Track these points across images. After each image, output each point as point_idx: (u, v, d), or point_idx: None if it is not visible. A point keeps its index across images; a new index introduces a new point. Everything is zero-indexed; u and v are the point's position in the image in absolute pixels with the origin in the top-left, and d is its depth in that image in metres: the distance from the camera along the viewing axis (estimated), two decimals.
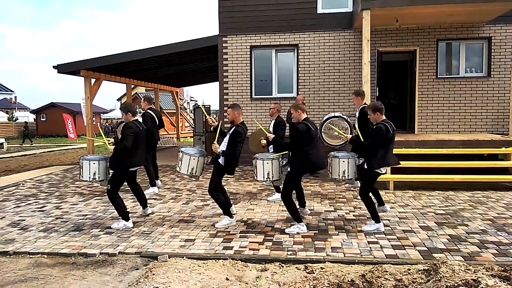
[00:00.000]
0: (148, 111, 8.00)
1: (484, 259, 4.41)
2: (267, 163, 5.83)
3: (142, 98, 8.12)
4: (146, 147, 6.85)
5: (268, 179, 5.94)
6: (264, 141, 6.57)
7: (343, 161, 5.86)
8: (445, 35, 10.77)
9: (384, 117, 5.39)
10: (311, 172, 5.56)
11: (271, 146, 6.94)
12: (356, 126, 6.71)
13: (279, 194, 7.43)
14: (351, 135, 5.81)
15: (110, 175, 5.87)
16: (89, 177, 5.82)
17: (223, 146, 5.65)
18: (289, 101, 11.28)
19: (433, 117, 10.88)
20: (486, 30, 10.61)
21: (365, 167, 5.41)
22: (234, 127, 5.63)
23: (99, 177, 5.84)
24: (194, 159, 5.79)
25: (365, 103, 7.24)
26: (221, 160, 5.63)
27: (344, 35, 11.08)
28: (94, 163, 5.82)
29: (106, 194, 7.79)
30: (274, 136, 5.87)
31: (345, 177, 5.95)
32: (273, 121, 7.36)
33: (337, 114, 7.03)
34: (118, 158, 5.70)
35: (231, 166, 5.64)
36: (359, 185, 7.20)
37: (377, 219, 5.41)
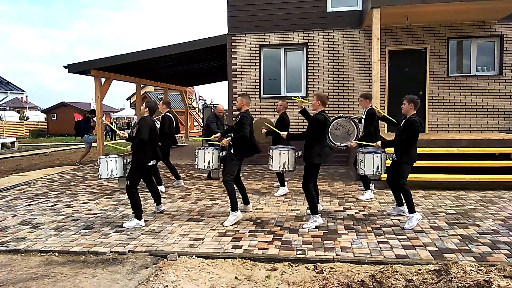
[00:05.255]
0: (168, 114, 8.40)
1: (496, 259, 4.36)
2: (284, 153, 6.12)
3: (161, 102, 8.49)
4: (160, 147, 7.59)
5: (284, 169, 6.19)
6: (264, 130, 7.12)
7: (377, 156, 6.05)
8: (456, 33, 10.67)
9: (415, 111, 5.58)
10: (325, 161, 5.71)
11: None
12: (361, 125, 6.95)
13: (285, 188, 7.56)
14: (381, 141, 5.92)
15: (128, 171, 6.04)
16: (107, 174, 6.21)
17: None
18: None
19: (443, 116, 10.79)
20: (498, 28, 10.48)
21: (396, 158, 5.65)
22: (240, 114, 5.87)
23: (117, 174, 6.23)
24: (208, 153, 6.20)
25: (371, 106, 7.33)
26: (233, 150, 5.82)
27: (353, 33, 11.02)
28: (111, 160, 6.21)
29: (116, 192, 7.87)
30: (287, 133, 6.00)
31: (379, 172, 6.02)
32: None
33: (342, 115, 7.16)
34: (135, 152, 5.83)
35: (243, 149, 5.80)
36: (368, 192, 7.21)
37: (413, 209, 5.52)
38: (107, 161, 6.22)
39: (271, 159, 6.21)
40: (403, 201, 5.83)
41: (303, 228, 5.53)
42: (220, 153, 6.23)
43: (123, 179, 6.30)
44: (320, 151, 5.48)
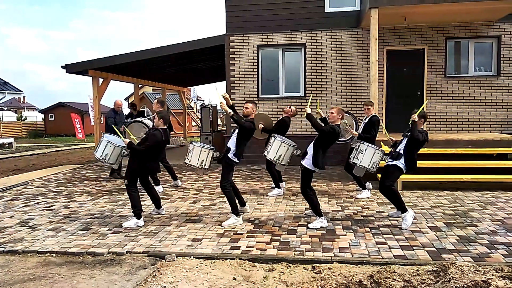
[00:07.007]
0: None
1: (493, 260, 4.37)
2: (284, 146, 6.05)
3: (155, 101, 8.41)
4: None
5: (277, 161, 6.13)
6: (261, 126, 7.24)
7: (377, 153, 6.05)
8: (454, 34, 10.69)
9: (423, 126, 5.74)
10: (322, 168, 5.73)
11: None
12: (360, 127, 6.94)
13: (279, 190, 7.55)
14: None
15: (126, 168, 5.97)
16: (100, 156, 6.21)
17: (231, 143, 5.80)
18: (296, 100, 11.27)
19: (441, 116, 10.81)
20: (496, 28, 10.51)
21: (394, 163, 5.67)
22: (249, 121, 5.83)
23: (108, 159, 6.22)
24: (205, 151, 6.00)
25: (374, 113, 7.37)
26: (230, 155, 5.73)
27: (351, 34, 11.03)
28: (110, 146, 6.16)
29: (114, 193, 7.87)
30: (309, 113, 5.84)
31: (373, 168, 6.01)
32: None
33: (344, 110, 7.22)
34: (132, 155, 5.82)
35: (241, 154, 5.82)
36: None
37: (404, 209, 5.57)
38: (106, 144, 6.17)
39: (269, 146, 6.08)
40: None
41: (308, 227, 5.54)
42: (214, 154, 6.09)
43: (116, 166, 6.29)
44: (322, 159, 5.57)
